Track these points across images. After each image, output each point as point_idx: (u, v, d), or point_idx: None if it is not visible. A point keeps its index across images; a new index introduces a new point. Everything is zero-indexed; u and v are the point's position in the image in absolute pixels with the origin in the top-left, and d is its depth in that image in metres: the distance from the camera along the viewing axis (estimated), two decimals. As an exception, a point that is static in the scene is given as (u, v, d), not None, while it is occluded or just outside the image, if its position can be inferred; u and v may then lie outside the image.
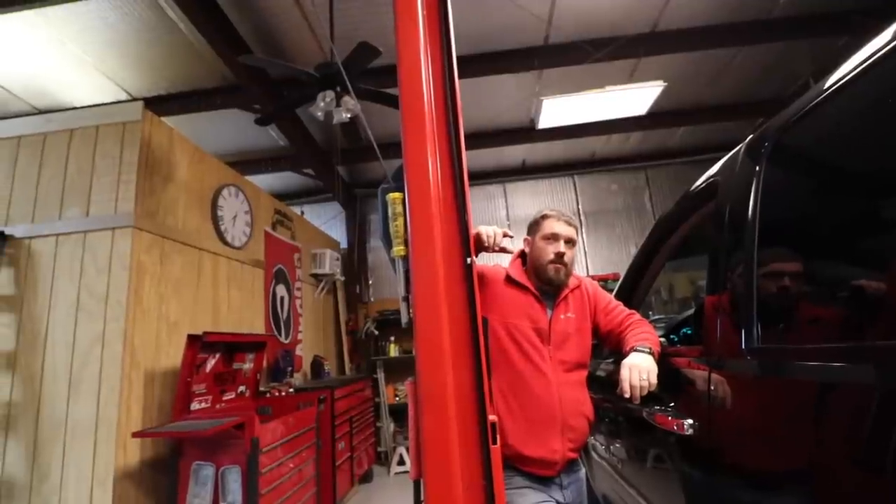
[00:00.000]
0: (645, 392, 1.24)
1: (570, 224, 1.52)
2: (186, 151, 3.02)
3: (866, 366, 0.69)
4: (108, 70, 3.59)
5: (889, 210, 0.77)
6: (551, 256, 1.47)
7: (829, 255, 0.91)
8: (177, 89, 3.92)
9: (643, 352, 1.32)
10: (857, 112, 0.83)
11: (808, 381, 0.81)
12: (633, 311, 1.57)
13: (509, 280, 1.52)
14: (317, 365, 4.64)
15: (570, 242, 1.51)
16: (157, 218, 2.70)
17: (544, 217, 1.55)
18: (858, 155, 0.85)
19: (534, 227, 1.57)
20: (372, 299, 6.22)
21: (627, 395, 1.25)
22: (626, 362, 1.30)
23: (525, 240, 1.60)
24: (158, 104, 3.73)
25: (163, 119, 2.88)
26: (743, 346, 0.96)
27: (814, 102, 0.90)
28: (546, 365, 1.41)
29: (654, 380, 1.25)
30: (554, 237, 1.49)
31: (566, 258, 1.48)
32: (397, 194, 1.02)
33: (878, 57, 0.76)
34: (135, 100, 3.89)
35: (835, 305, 0.89)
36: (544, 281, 1.49)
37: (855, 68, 0.81)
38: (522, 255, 1.60)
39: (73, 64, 3.47)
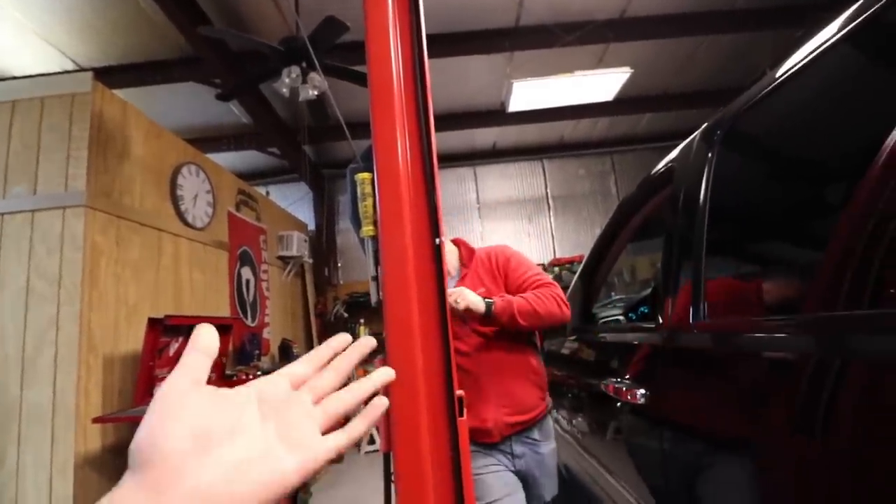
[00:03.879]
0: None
1: None
2: (142, 127, 2.87)
3: (804, 336, 0.76)
4: (52, 37, 3.35)
5: (829, 194, 0.84)
6: None
7: (773, 236, 0.98)
8: (129, 60, 3.70)
9: (487, 301, 1.39)
10: (802, 102, 0.89)
11: (750, 352, 0.88)
12: (553, 282, 1.53)
13: None
14: (285, 348, 4.59)
15: None
16: (112, 197, 2.57)
17: None
18: (804, 142, 0.91)
19: None
20: (341, 282, 6.18)
21: None
22: (459, 289, 1.39)
23: None
24: (110, 75, 3.51)
25: (115, 92, 2.73)
26: (691, 321, 1.03)
27: (763, 93, 0.95)
28: (464, 342, 1.45)
29: (462, 304, 1.35)
30: None
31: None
32: (366, 174, 1.02)
33: (824, 49, 0.81)
34: (83, 70, 3.65)
35: (776, 282, 0.96)
36: None
37: (801, 60, 0.86)
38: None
39: (11, 29, 3.21)
